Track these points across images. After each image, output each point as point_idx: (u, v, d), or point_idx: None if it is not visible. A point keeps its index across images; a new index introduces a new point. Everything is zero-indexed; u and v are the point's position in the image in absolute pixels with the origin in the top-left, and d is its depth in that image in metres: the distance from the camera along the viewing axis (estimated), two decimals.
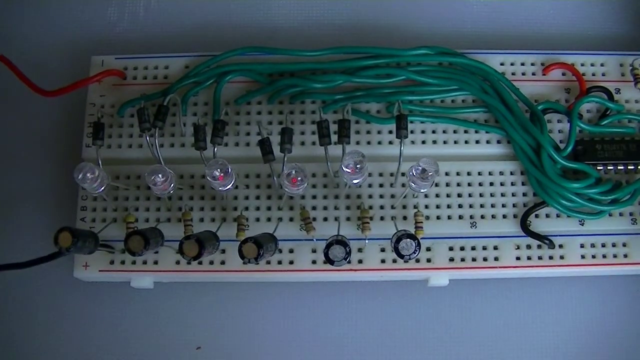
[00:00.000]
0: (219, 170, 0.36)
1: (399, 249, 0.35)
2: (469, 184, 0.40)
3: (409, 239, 0.35)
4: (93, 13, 0.46)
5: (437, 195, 0.40)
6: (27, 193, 0.43)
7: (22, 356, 0.41)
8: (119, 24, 0.46)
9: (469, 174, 0.41)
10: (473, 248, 0.40)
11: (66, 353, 0.41)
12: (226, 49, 0.42)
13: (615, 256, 0.40)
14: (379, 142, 0.41)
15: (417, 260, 0.39)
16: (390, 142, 0.41)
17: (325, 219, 0.40)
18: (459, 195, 0.40)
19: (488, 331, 0.41)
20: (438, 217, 0.40)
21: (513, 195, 0.40)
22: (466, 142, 0.41)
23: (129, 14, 0.46)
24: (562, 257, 0.40)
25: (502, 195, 0.40)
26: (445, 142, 0.41)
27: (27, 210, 0.43)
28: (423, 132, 0.41)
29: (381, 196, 0.40)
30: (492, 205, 0.40)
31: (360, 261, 0.39)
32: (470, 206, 0.40)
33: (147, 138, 0.38)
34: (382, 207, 0.40)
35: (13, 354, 0.41)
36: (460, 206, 0.40)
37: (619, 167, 0.40)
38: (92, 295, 0.41)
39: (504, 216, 0.40)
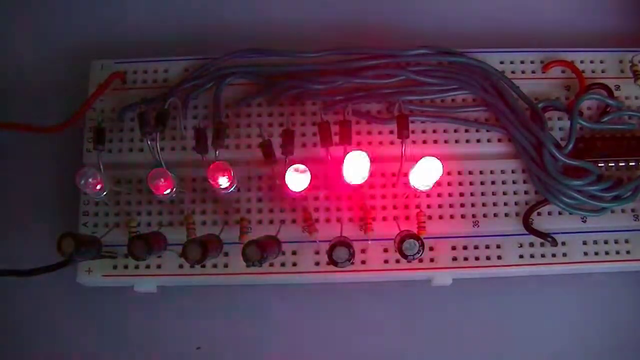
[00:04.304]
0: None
1: (403, 249, 0.35)
2: (471, 183, 0.40)
3: (412, 239, 0.35)
4: (93, 17, 0.46)
5: (439, 195, 0.40)
6: (29, 198, 0.43)
7: None
8: (119, 27, 0.46)
9: (470, 173, 0.41)
10: (476, 247, 0.40)
11: (69, 358, 0.41)
12: (226, 51, 0.42)
13: (617, 253, 0.40)
14: (380, 143, 0.41)
15: (420, 260, 0.39)
16: (392, 143, 0.41)
17: (328, 220, 0.40)
18: (461, 195, 0.40)
19: (492, 330, 0.41)
20: (440, 217, 0.40)
21: (515, 193, 0.40)
22: (467, 141, 0.41)
23: (129, 18, 0.46)
24: (564, 255, 0.40)
25: (504, 193, 0.40)
26: (446, 142, 0.41)
27: (29, 216, 0.43)
28: (424, 132, 0.41)
29: (383, 197, 0.40)
30: (494, 204, 0.40)
31: (363, 262, 0.39)
32: (472, 205, 0.40)
33: (148, 142, 0.38)
34: (384, 208, 0.40)
35: (16, 359, 0.41)
36: (462, 205, 0.40)
37: (620, 164, 0.40)
38: (95, 300, 0.41)
39: (506, 215, 0.40)
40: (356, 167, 0.36)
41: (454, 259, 0.39)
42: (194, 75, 0.41)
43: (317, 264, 0.39)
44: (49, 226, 0.42)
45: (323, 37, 0.44)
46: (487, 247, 0.40)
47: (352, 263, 0.35)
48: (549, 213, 0.40)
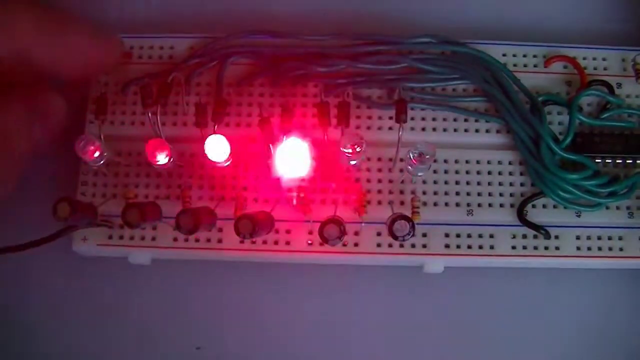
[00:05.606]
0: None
1: (394, 230, 0.35)
2: (467, 172, 0.41)
3: (403, 220, 0.35)
4: None
5: (434, 182, 0.40)
6: (27, 170, 0.43)
7: (17, 329, 0.41)
8: (126, 4, 0.46)
9: (467, 162, 0.41)
10: (469, 235, 0.40)
11: (61, 329, 0.41)
12: (230, 31, 0.42)
13: (610, 249, 0.40)
14: (379, 128, 0.41)
15: (413, 246, 0.39)
16: (390, 128, 0.41)
17: (323, 202, 0.40)
18: (457, 183, 0.40)
19: (481, 319, 0.41)
20: (435, 204, 0.40)
21: (511, 184, 0.40)
22: (466, 130, 0.41)
23: None
24: (557, 248, 0.40)
25: (500, 184, 0.40)
26: (445, 130, 0.41)
27: (27, 187, 0.43)
28: (423, 119, 0.41)
29: (379, 181, 0.40)
30: (490, 194, 0.40)
31: (356, 244, 0.39)
32: (468, 194, 0.40)
33: (150, 115, 0.39)
34: (379, 192, 0.40)
35: (8, 328, 0.41)
36: (457, 193, 0.40)
37: (617, 161, 0.41)
38: (89, 271, 0.42)
39: (501, 205, 0.40)
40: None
41: (447, 246, 0.40)
42: (198, 52, 0.42)
43: (310, 244, 0.39)
44: (47, 198, 0.42)
45: (327, 23, 0.44)
46: (480, 236, 0.40)
47: (343, 242, 0.35)
48: (544, 206, 0.40)
